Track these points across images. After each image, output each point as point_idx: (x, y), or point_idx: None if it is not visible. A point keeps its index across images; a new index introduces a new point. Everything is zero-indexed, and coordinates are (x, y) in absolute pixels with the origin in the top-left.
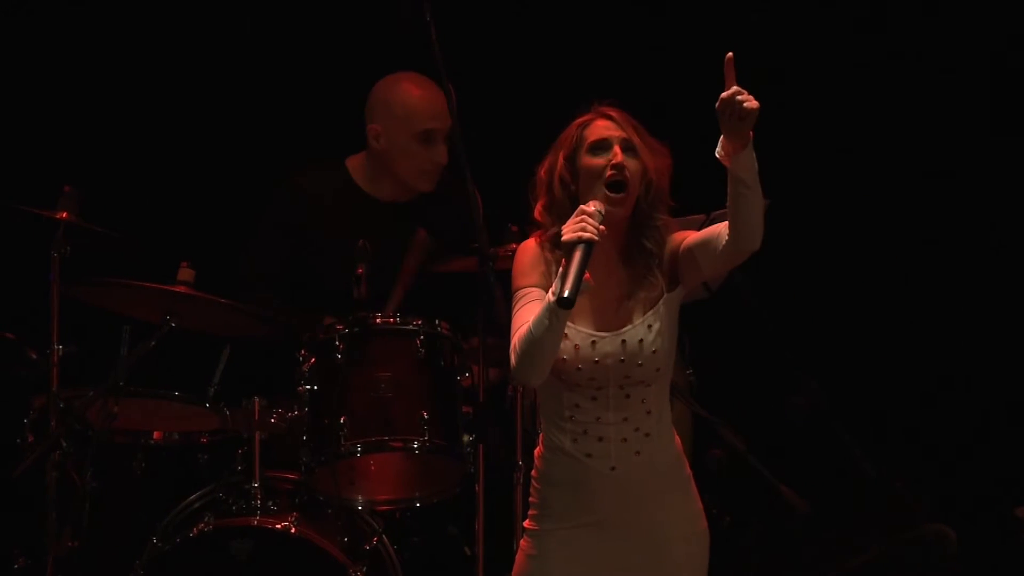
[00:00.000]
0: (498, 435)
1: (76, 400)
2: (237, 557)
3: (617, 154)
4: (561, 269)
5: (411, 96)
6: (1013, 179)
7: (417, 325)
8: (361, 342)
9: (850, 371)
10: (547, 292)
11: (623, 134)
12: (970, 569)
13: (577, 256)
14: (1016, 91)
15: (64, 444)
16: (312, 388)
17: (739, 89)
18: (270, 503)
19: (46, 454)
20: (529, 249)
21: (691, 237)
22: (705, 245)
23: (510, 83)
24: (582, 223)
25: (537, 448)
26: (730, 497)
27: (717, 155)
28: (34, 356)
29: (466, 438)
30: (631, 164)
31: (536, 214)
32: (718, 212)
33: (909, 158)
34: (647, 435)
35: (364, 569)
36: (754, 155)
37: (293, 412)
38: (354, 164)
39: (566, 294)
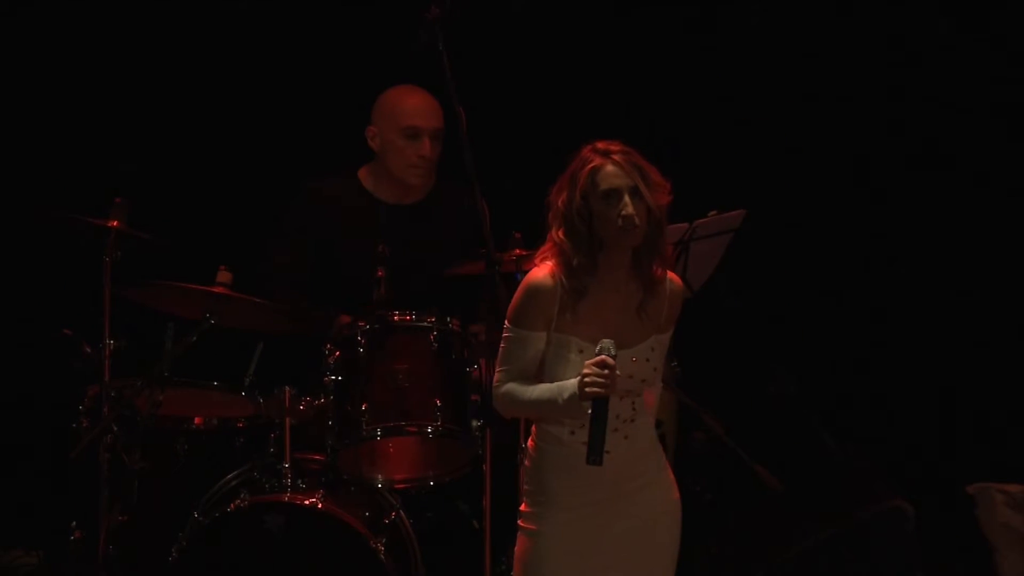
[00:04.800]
0: (503, 420)
1: (126, 389)
2: (270, 530)
3: (627, 204)
4: (589, 427)
5: (400, 98)
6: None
7: (431, 322)
8: (381, 337)
9: (819, 362)
10: (545, 333)
11: (630, 181)
12: (926, 541)
13: (599, 414)
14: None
15: (115, 429)
16: (337, 378)
17: None
18: (299, 481)
19: (99, 437)
20: (542, 289)
21: (670, 335)
22: None
23: (514, 105)
24: (606, 379)
25: (530, 440)
26: (711, 475)
27: None
28: (88, 350)
29: (475, 423)
30: (638, 208)
31: (556, 239)
32: (701, 221)
33: (872, 168)
34: (632, 421)
35: (384, 540)
36: None
37: (320, 400)
38: (364, 172)
39: (595, 460)
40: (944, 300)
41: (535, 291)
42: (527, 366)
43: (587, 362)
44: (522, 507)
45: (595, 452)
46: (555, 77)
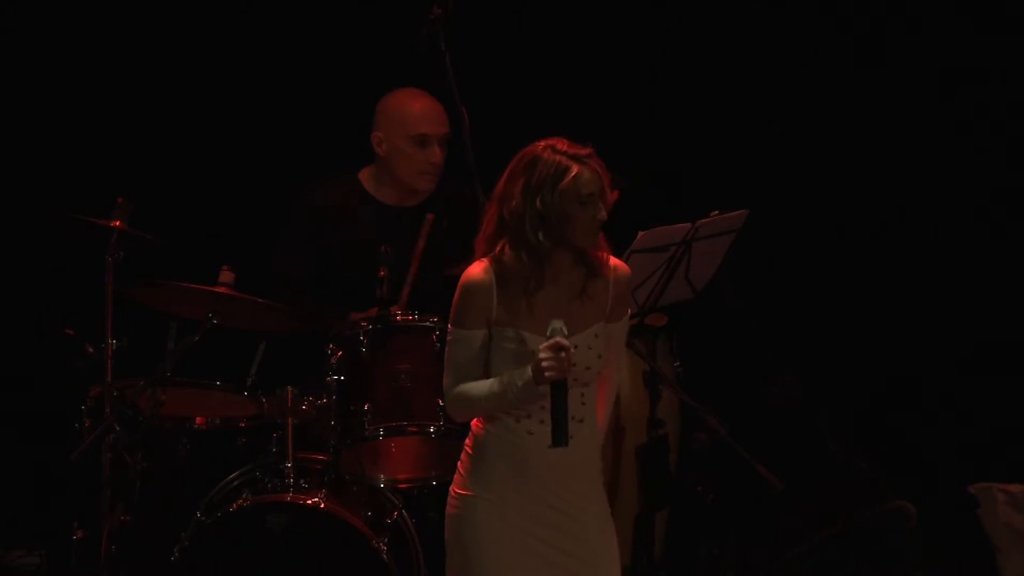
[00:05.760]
0: None
1: (128, 389)
2: (272, 530)
3: (601, 209)
4: (551, 410)
5: (407, 104)
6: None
7: (433, 322)
8: (383, 337)
9: (821, 363)
10: (487, 330)
11: (601, 185)
12: (927, 541)
13: (559, 397)
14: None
15: (117, 428)
16: (339, 378)
17: None
18: (302, 481)
19: (101, 437)
20: (479, 286)
21: (623, 325)
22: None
23: (515, 104)
24: (565, 361)
25: (475, 421)
26: (713, 476)
27: None
28: (90, 350)
29: None
30: (606, 211)
31: (533, 240)
32: (703, 221)
33: (876, 170)
34: (580, 421)
35: (386, 540)
36: None
37: (322, 400)
38: (365, 175)
39: (559, 441)
40: (946, 300)
41: (473, 290)
42: (474, 366)
43: (542, 346)
44: (455, 488)
45: (559, 434)
46: (557, 76)
